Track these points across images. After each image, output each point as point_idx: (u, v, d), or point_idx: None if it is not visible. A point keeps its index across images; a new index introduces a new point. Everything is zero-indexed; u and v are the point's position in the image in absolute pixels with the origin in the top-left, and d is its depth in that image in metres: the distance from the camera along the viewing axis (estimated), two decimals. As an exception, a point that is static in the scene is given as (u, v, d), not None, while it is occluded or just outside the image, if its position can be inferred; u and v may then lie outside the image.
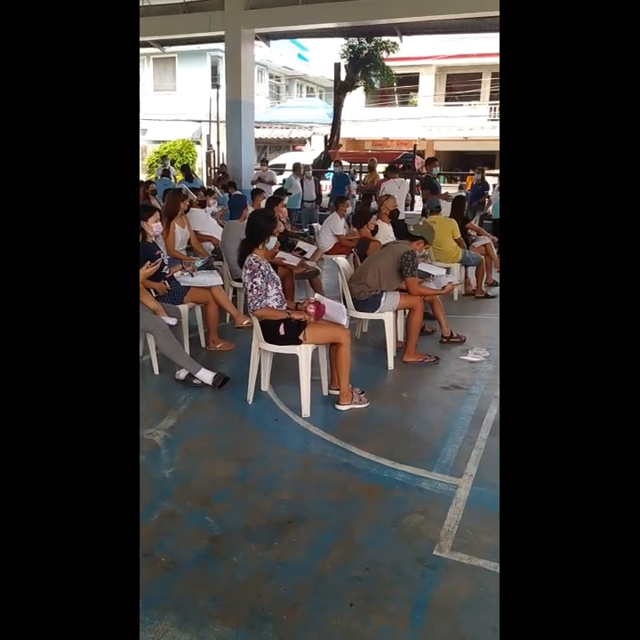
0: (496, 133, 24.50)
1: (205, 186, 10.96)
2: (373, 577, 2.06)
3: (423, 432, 3.28)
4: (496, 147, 24.89)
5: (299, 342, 3.41)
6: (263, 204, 6.04)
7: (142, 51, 22.25)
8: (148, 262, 3.77)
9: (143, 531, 2.27)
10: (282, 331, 3.41)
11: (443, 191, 10.68)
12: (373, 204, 8.42)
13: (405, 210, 10.29)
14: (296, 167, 11.90)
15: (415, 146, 15.86)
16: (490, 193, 10.59)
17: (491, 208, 10.48)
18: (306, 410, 3.43)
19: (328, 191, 13.61)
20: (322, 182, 12.97)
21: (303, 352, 3.42)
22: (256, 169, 12.34)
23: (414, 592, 1.99)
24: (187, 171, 11.48)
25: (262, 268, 3.42)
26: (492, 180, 11.19)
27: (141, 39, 12.38)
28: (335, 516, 2.42)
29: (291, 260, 5.36)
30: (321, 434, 3.20)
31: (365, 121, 25.61)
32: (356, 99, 23.64)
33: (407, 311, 4.53)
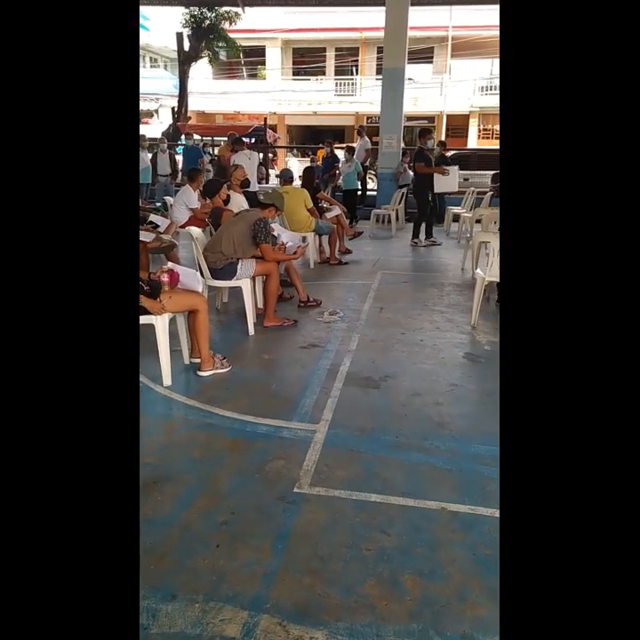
0: (343, 108, 25.32)
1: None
2: (238, 519, 2.17)
3: (283, 388, 3.44)
4: (344, 121, 25.75)
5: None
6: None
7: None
8: None
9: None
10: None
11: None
12: None
13: (260, 183, 10.36)
14: (141, 139, 11.38)
15: (266, 119, 15.92)
16: (340, 165, 10.97)
17: (340, 180, 10.88)
18: (167, 378, 3.43)
19: (181, 165, 13.24)
20: (176, 156, 12.57)
21: (159, 322, 3.40)
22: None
23: (277, 526, 2.13)
24: None
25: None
26: (341, 154, 11.59)
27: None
28: (200, 472, 2.50)
29: (144, 236, 5.21)
30: (183, 399, 3.23)
31: (214, 94, 25.09)
32: (202, 70, 23.01)
33: (264, 277, 4.65)
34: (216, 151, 13.43)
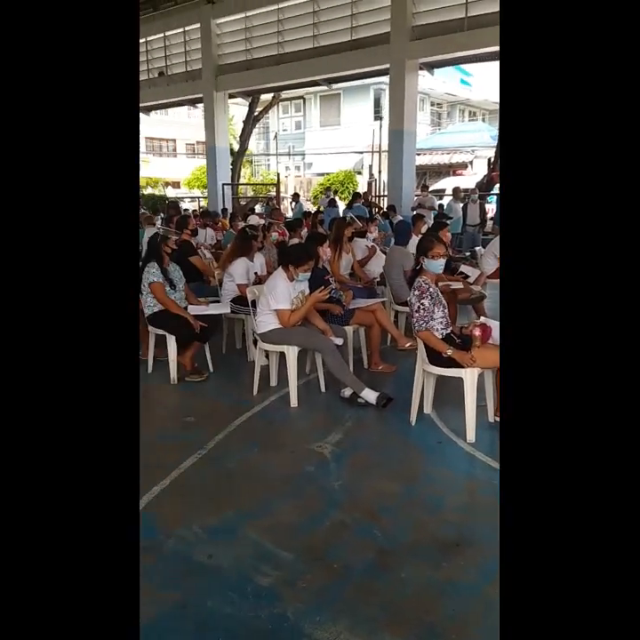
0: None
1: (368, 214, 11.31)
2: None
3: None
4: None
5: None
6: (424, 229, 6.11)
7: (311, 89, 23.78)
8: (322, 287, 4.02)
9: (315, 536, 2.42)
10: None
11: None
12: None
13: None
14: (456, 191, 11.81)
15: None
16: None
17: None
18: (471, 435, 3.38)
19: (491, 214, 13.27)
20: (486, 205, 12.68)
21: (469, 376, 3.39)
22: (416, 195, 12.47)
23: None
24: (354, 198, 12.17)
25: (431, 290, 3.48)
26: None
27: (312, 78, 13.24)
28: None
29: (456, 284, 5.35)
30: (488, 460, 3.13)
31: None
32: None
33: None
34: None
